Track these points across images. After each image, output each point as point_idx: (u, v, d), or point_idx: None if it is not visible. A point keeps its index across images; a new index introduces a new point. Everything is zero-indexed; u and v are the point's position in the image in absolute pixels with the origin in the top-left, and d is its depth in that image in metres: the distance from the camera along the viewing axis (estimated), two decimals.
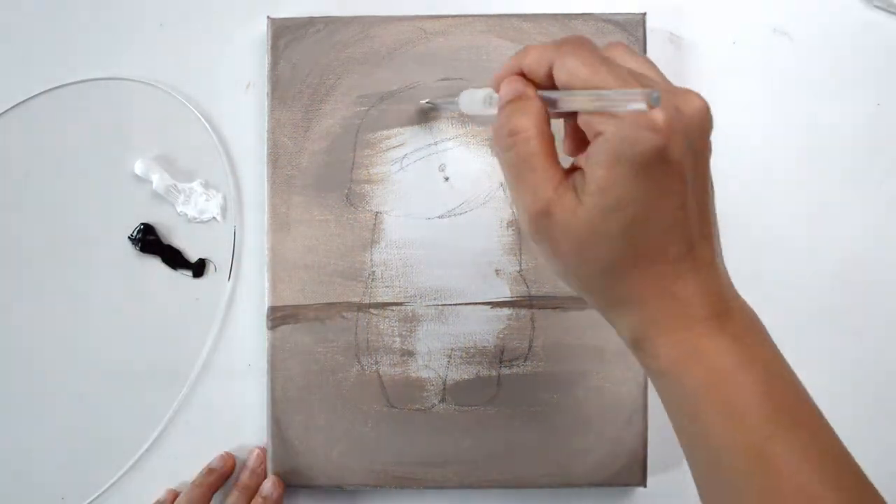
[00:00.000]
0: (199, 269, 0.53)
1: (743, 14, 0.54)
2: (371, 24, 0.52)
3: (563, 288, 0.51)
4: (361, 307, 0.51)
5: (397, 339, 0.51)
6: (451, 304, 0.51)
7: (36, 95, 0.53)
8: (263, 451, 0.52)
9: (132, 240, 0.53)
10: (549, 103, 0.33)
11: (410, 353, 0.51)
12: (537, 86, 0.33)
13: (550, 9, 0.52)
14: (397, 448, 0.51)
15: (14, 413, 0.53)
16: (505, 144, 0.33)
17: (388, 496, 0.53)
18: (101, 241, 0.53)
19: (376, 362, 0.51)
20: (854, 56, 0.54)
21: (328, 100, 0.52)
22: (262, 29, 0.52)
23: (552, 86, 0.33)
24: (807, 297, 0.53)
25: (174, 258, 0.53)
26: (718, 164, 0.53)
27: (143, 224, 0.53)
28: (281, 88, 0.51)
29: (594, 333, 0.51)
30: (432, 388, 0.51)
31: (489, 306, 0.51)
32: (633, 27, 0.51)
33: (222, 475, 0.52)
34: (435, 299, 0.51)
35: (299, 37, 0.51)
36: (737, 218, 0.53)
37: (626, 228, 0.31)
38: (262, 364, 0.51)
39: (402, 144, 0.52)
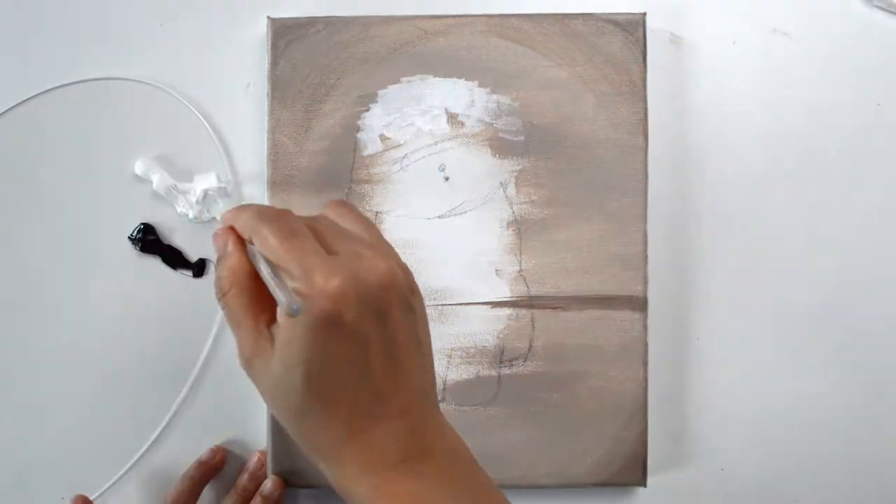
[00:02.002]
0: (199, 269, 0.53)
1: (743, 14, 0.54)
2: (371, 24, 0.52)
3: (564, 288, 0.51)
4: None
5: None
6: (451, 304, 0.51)
7: (36, 95, 0.53)
8: (264, 454, 0.52)
9: (132, 240, 0.53)
10: (252, 260, 0.35)
11: None
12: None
13: (550, 9, 0.52)
14: None
15: (14, 413, 0.53)
16: (218, 300, 0.36)
17: None
18: (101, 241, 0.53)
19: None
20: (854, 56, 0.54)
21: (328, 100, 0.52)
22: (262, 29, 0.52)
23: None
24: (807, 296, 0.53)
25: (174, 258, 0.53)
26: (718, 164, 0.53)
27: (143, 224, 0.53)
28: (281, 88, 0.51)
29: (594, 333, 0.51)
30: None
31: (489, 306, 0.51)
32: (633, 27, 0.51)
33: (212, 468, 0.52)
34: (435, 299, 0.51)
35: (299, 37, 0.51)
36: (737, 218, 0.54)
37: (307, 382, 0.33)
38: None
39: (402, 144, 0.52)
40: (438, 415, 0.37)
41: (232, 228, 0.36)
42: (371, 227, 0.37)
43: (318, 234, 0.35)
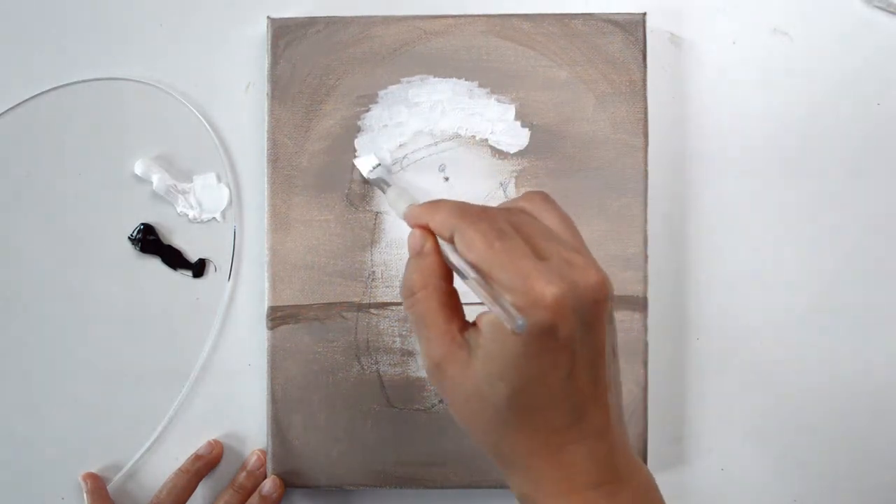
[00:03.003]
0: (199, 269, 0.53)
1: (743, 14, 0.54)
2: (371, 24, 0.52)
3: None
4: (361, 307, 0.51)
5: (397, 339, 0.51)
6: None
7: (36, 95, 0.53)
8: (263, 453, 0.52)
9: (132, 240, 0.53)
10: (451, 265, 0.33)
11: (410, 353, 0.51)
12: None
13: (550, 9, 0.52)
14: (397, 448, 0.51)
15: (14, 413, 0.53)
16: (405, 301, 0.34)
17: (388, 496, 0.53)
18: (101, 241, 0.53)
19: (376, 362, 0.51)
20: (854, 56, 0.54)
21: (328, 100, 0.52)
22: (262, 29, 0.52)
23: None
24: (807, 296, 0.53)
25: (174, 258, 0.53)
26: (718, 164, 0.53)
27: (143, 224, 0.53)
28: (281, 88, 0.51)
29: None
30: (432, 388, 0.51)
31: None
32: (633, 27, 0.51)
33: (209, 462, 0.52)
34: None
35: (299, 37, 0.51)
36: (737, 218, 0.54)
37: (510, 396, 0.32)
38: (262, 364, 0.51)
39: (402, 144, 0.52)
40: (628, 439, 0.35)
41: (426, 226, 0.34)
42: (573, 226, 0.34)
43: (521, 233, 0.32)
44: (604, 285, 0.32)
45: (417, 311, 0.34)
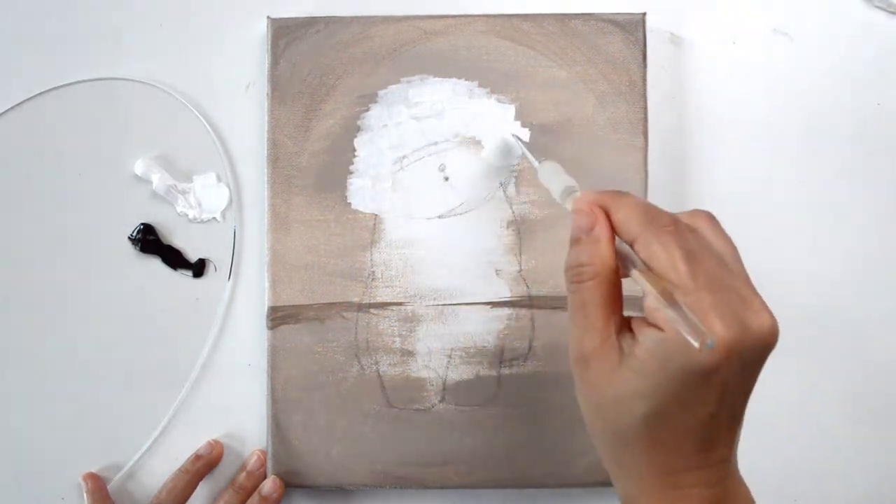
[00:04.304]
0: (199, 269, 0.53)
1: (743, 14, 0.54)
2: (371, 24, 0.52)
3: (564, 288, 0.51)
4: (361, 307, 0.51)
5: (397, 339, 0.51)
6: (451, 304, 0.51)
7: (36, 95, 0.53)
8: (263, 453, 0.52)
9: (132, 240, 0.53)
10: (620, 258, 0.32)
11: (410, 353, 0.51)
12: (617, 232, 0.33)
13: (550, 9, 0.52)
14: (397, 448, 0.51)
15: (13, 413, 0.53)
16: (570, 282, 0.33)
17: (388, 496, 0.53)
18: (101, 241, 0.53)
19: (376, 362, 0.51)
20: (854, 56, 0.54)
21: (328, 100, 0.52)
22: (262, 29, 0.52)
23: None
24: (807, 296, 0.53)
25: (174, 258, 0.53)
26: (718, 164, 0.53)
27: (143, 224, 0.53)
28: (281, 88, 0.51)
29: None
30: (432, 388, 0.51)
31: (489, 306, 0.51)
32: (633, 27, 0.51)
33: (209, 462, 0.52)
34: (435, 299, 0.51)
35: (299, 37, 0.51)
36: (736, 218, 0.53)
37: (648, 416, 0.31)
38: (262, 364, 0.51)
39: (401, 144, 0.52)
40: (738, 470, 0.35)
41: (600, 209, 0.33)
42: (738, 255, 0.33)
43: (695, 257, 0.31)
44: (774, 332, 0.31)
45: (583, 296, 0.33)
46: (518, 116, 0.51)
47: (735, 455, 0.34)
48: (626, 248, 0.33)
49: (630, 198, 0.33)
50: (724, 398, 0.31)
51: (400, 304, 0.51)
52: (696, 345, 0.29)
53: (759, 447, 0.53)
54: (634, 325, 0.32)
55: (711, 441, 0.32)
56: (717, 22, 0.54)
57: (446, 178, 0.52)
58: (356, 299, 0.51)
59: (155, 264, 0.53)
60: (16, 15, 0.54)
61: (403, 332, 0.51)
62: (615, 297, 0.33)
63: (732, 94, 0.54)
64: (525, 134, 0.49)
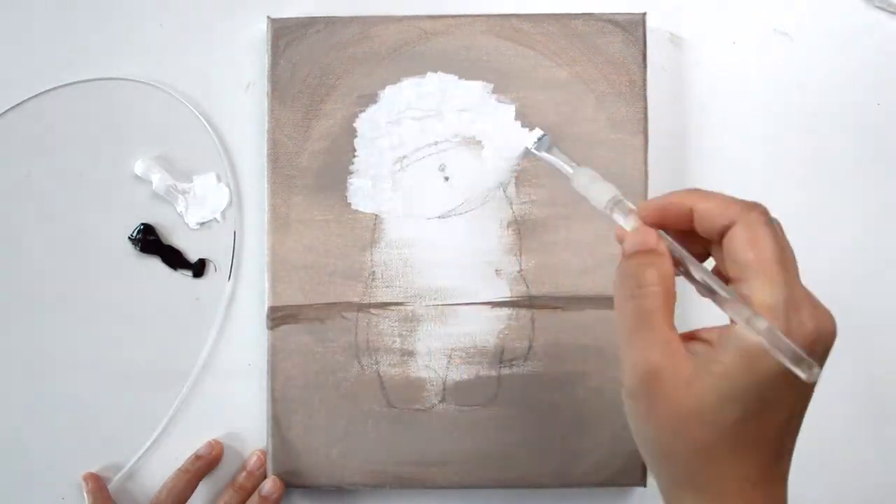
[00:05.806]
0: (199, 269, 0.53)
1: (743, 14, 0.54)
2: (371, 24, 0.52)
3: (564, 288, 0.51)
4: (361, 307, 0.51)
5: (397, 339, 0.51)
6: (451, 304, 0.51)
7: (36, 95, 0.53)
8: (264, 453, 0.52)
9: (132, 240, 0.53)
10: (676, 262, 0.32)
11: (410, 353, 0.51)
12: (672, 223, 0.33)
13: (550, 9, 0.52)
14: (397, 448, 0.51)
15: (13, 413, 0.53)
16: (629, 293, 0.32)
17: (388, 496, 0.53)
18: (101, 241, 0.53)
19: (376, 362, 0.51)
20: (854, 56, 0.54)
21: (328, 100, 0.52)
22: (262, 29, 0.52)
23: (688, 227, 0.33)
24: None
25: (174, 258, 0.53)
26: (718, 164, 0.53)
27: (143, 224, 0.53)
28: (281, 88, 0.51)
29: (594, 333, 0.51)
30: (432, 388, 0.51)
31: (489, 306, 0.51)
32: (633, 27, 0.51)
33: (209, 462, 0.52)
34: (435, 299, 0.51)
35: (299, 37, 0.51)
36: None
37: (738, 422, 0.30)
38: (262, 364, 0.51)
39: (402, 144, 0.52)
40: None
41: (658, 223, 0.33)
42: (793, 254, 0.32)
43: (784, 249, 0.31)
44: (835, 334, 0.31)
45: (644, 306, 0.31)
46: (518, 116, 0.51)
47: (788, 472, 0.33)
48: (683, 252, 0.33)
49: (706, 190, 0.33)
50: (803, 400, 0.31)
51: (400, 304, 0.51)
52: (803, 376, 0.28)
53: None
54: (701, 333, 0.32)
55: (781, 452, 0.32)
56: (717, 22, 0.54)
57: (446, 178, 0.52)
58: (356, 299, 0.51)
59: (155, 264, 0.53)
60: (16, 15, 0.54)
61: (403, 332, 0.51)
62: (672, 310, 0.32)
63: (732, 94, 0.54)
64: (534, 137, 0.46)
